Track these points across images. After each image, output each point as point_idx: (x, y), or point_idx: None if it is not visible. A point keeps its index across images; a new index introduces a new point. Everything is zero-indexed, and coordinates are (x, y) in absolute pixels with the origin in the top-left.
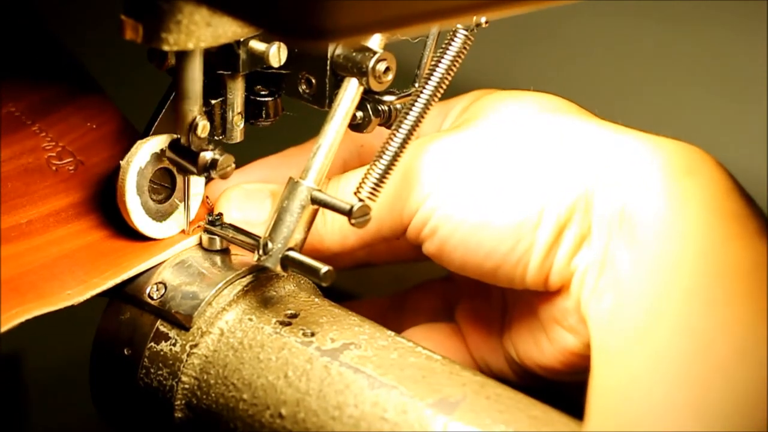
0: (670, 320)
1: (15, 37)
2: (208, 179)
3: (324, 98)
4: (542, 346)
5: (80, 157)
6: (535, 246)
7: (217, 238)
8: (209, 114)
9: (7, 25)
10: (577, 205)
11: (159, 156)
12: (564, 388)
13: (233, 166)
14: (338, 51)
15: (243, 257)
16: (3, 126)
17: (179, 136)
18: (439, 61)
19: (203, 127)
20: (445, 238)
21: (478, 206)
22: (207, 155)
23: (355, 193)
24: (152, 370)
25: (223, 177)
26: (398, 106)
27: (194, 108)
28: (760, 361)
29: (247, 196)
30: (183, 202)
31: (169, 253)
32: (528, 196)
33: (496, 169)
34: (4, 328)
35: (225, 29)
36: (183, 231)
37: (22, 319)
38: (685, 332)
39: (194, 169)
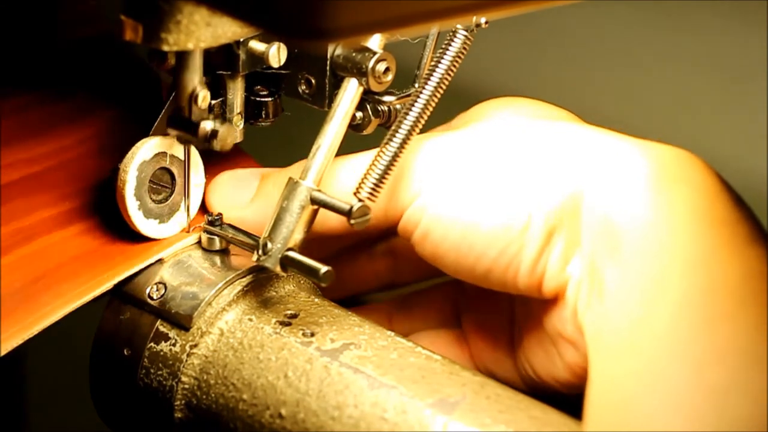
0: (658, 344)
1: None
2: (209, 152)
3: (324, 98)
4: (553, 358)
5: None
6: (524, 250)
7: (217, 238)
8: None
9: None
10: (564, 210)
11: (159, 156)
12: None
13: (234, 136)
14: (338, 51)
15: (242, 257)
16: (73, 111)
17: (181, 106)
18: (439, 62)
19: (203, 97)
20: (438, 240)
21: (467, 208)
22: (207, 125)
23: (354, 194)
24: (152, 371)
25: (224, 148)
26: (398, 106)
27: (194, 78)
28: (754, 390)
29: (236, 179)
30: (183, 194)
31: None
32: (515, 199)
33: (485, 171)
34: (108, 285)
35: (225, 29)
36: (184, 230)
37: (122, 277)
38: (676, 357)
39: (195, 139)
